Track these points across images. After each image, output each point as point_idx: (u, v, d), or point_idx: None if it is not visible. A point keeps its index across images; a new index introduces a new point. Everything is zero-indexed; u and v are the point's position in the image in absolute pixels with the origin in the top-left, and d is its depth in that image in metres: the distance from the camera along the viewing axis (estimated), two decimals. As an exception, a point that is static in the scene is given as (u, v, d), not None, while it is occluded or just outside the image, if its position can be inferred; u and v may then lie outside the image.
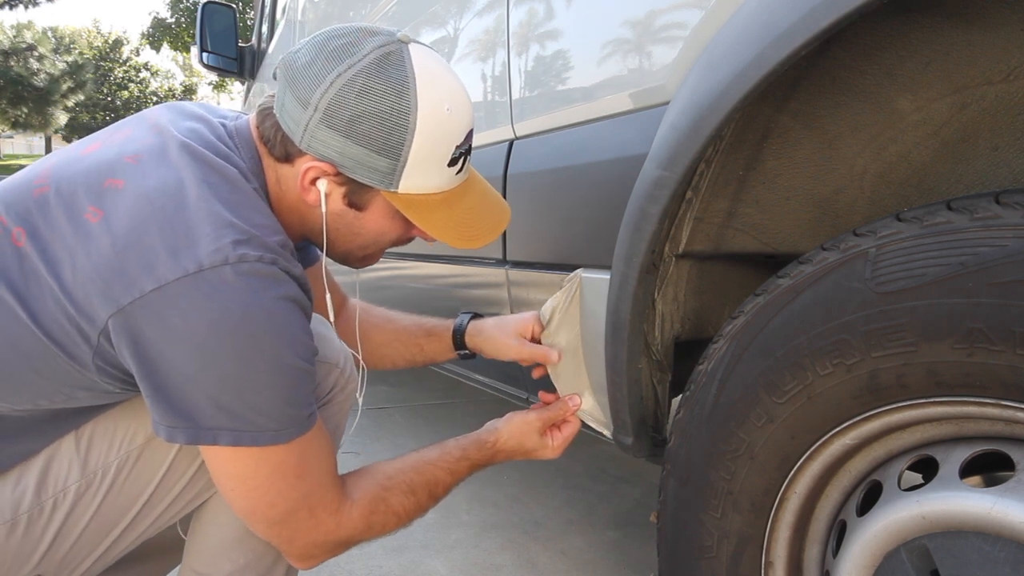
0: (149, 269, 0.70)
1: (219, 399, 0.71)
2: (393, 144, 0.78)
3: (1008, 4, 0.64)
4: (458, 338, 1.15)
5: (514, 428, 1.01)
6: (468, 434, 1.01)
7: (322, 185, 0.82)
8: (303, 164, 0.81)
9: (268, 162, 0.84)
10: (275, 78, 0.82)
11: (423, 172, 0.81)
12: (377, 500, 0.86)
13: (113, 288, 0.70)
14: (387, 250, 0.96)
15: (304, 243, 0.96)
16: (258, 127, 0.84)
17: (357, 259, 0.94)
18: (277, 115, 0.81)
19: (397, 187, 0.81)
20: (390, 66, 0.77)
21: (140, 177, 0.75)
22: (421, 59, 0.79)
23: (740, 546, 0.76)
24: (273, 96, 0.83)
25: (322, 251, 0.90)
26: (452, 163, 0.83)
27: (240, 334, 0.71)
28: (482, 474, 2.08)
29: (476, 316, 1.17)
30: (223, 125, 0.85)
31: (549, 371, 1.07)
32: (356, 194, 0.83)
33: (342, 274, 1.30)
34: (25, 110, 16.10)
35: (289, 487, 0.77)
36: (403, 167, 0.79)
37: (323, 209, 0.83)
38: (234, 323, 0.70)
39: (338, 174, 0.81)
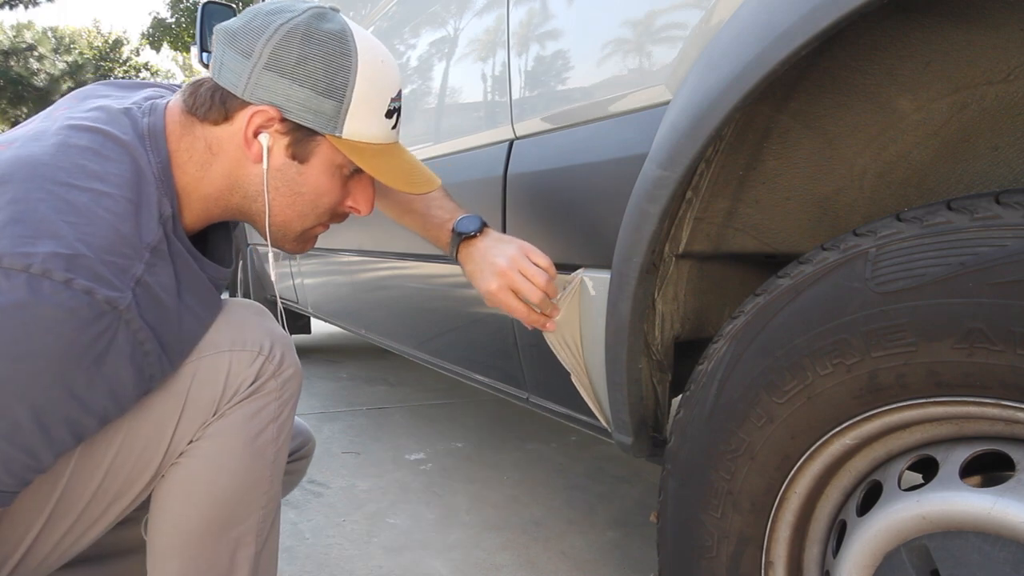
0: None
1: None
2: (337, 86, 0.80)
3: (1008, 4, 0.64)
4: (455, 245, 1.05)
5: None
6: None
7: (264, 139, 0.82)
8: (246, 114, 0.80)
9: (199, 129, 0.83)
10: (203, 64, 0.83)
11: (364, 118, 0.83)
12: None
13: None
14: (323, 230, 0.93)
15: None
16: (189, 98, 0.83)
17: (296, 234, 0.91)
18: (215, 77, 0.82)
19: (341, 131, 0.82)
20: (327, 19, 0.81)
21: (9, 155, 0.71)
22: (350, 20, 0.83)
23: (740, 546, 0.76)
24: (200, 75, 0.85)
25: (260, 220, 0.88)
26: (389, 115, 0.86)
27: None
28: (482, 475, 2.08)
29: (480, 228, 1.03)
30: (128, 112, 0.81)
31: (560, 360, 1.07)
32: (300, 144, 0.83)
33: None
34: (25, 110, 16.09)
35: None
36: (347, 110, 0.81)
37: (264, 165, 0.83)
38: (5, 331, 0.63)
39: (283, 120, 0.81)
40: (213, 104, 0.81)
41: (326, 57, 0.80)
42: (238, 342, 0.85)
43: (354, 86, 0.81)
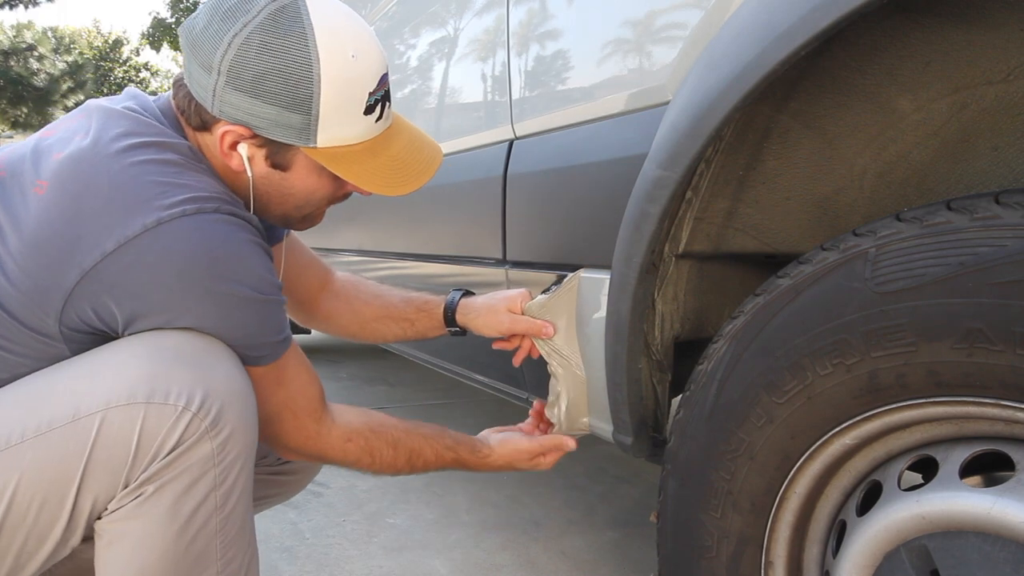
0: (107, 230, 0.72)
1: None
2: (302, 98, 0.76)
3: (1008, 4, 0.64)
4: (448, 315, 1.16)
5: (507, 452, 1.05)
6: (467, 435, 1.04)
7: (243, 149, 0.81)
8: (220, 129, 0.79)
9: (189, 133, 0.84)
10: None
11: (339, 123, 0.79)
12: (358, 434, 0.92)
13: (75, 254, 0.72)
14: (328, 207, 0.93)
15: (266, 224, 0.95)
16: (174, 99, 0.84)
17: (297, 220, 0.93)
18: (187, 85, 0.81)
19: (316, 142, 0.79)
20: (286, 19, 0.75)
21: (83, 148, 0.76)
22: (319, 8, 0.77)
23: (740, 546, 0.76)
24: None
25: (262, 214, 0.90)
26: (369, 111, 0.81)
27: (208, 275, 0.74)
28: (482, 475, 2.07)
29: (467, 294, 1.18)
30: (152, 104, 0.85)
31: (550, 370, 1.07)
32: (278, 154, 0.82)
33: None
34: (25, 110, 16.07)
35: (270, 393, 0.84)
36: (317, 120, 0.78)
37: (249, 174, 0.83)
38: (202, 265, 0.74)
39: (255, 136, 0.79)
40: (192, 113, 0.82)
41: (284, 70, 0.75)
42: (159, 392, 0.71)
43: (320, 95, 0.76)
